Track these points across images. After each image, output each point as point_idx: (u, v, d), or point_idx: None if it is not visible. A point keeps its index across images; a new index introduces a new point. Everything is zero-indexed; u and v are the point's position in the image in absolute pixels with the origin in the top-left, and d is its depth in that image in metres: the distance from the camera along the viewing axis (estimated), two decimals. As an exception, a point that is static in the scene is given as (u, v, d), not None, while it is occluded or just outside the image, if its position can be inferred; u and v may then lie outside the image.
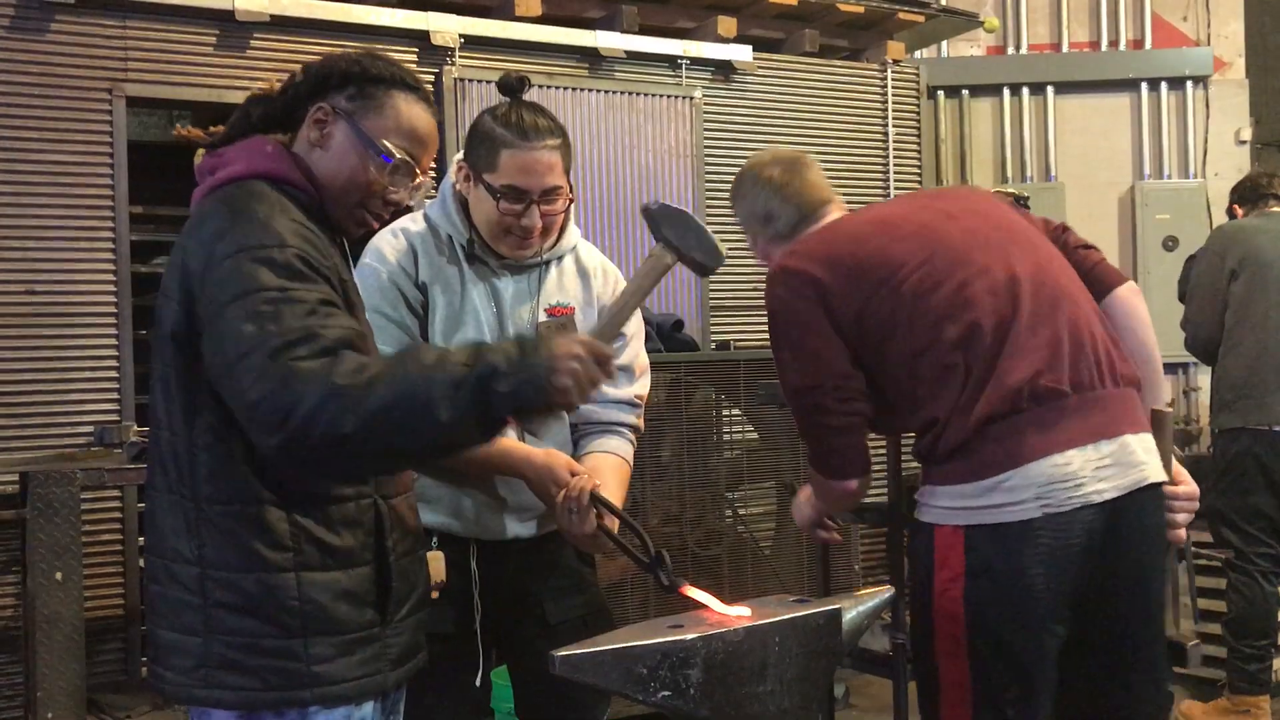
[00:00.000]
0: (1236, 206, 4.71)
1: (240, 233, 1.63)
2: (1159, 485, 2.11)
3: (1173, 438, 2.26)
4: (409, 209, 1.98)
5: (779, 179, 2.43)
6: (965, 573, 2.05)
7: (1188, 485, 2.26)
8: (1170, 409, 2.21)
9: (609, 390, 2.30)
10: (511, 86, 2.25)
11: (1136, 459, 2.06)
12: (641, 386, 2.39)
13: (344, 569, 1.69)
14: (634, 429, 2.36)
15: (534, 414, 1.65)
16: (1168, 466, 2.18)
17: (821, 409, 2.16)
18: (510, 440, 2.18)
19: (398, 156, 1.75)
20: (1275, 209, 4.52)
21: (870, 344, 2.14)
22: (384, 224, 1.88)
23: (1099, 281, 2.26)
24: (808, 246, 2.27)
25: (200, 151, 1.83)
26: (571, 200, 2.27)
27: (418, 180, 1.80)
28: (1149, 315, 2.29)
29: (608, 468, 2.26)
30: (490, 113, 2.22)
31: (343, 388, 1.51)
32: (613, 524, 2.10)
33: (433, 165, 1.89)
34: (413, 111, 1.79)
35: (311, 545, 1.67)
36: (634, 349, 2.38)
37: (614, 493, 2.20)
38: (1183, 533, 2.26)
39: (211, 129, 1.85)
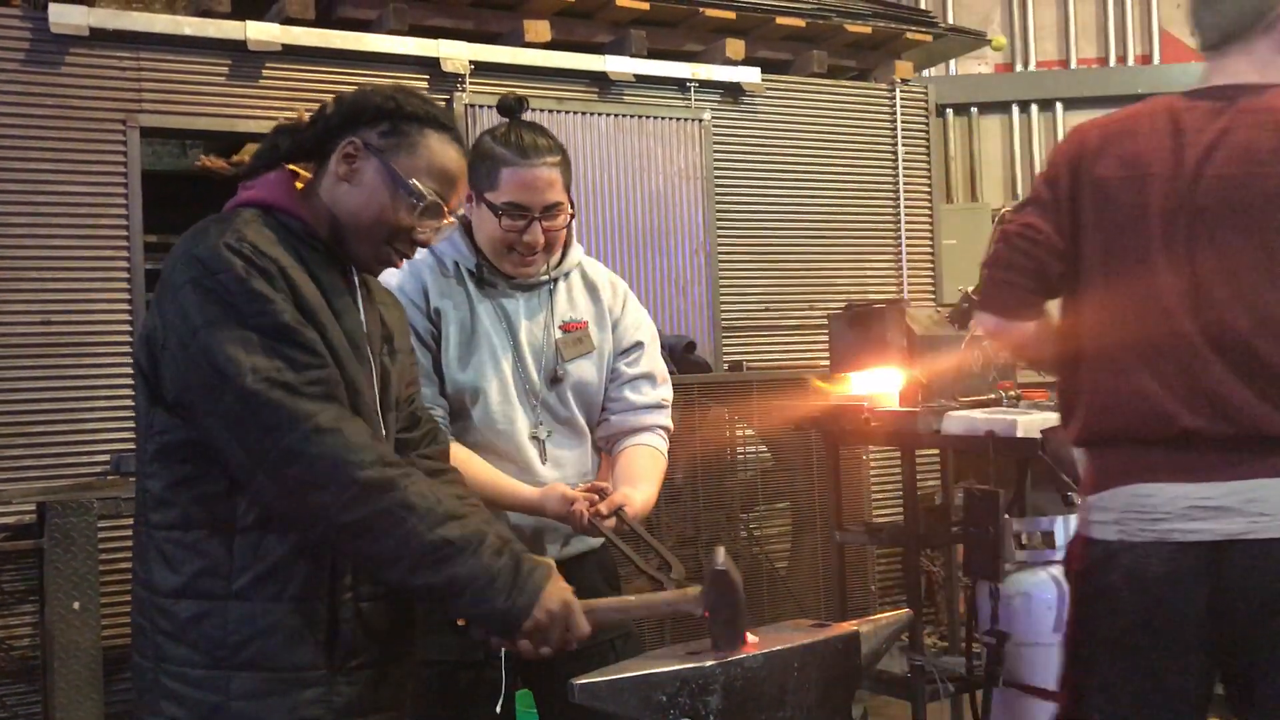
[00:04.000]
0: None
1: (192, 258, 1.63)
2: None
3: None
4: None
5: None
6: (1078, 578, 2.09)
7: None
8: None
9: (634, 398, 2.35)
10: (510, 107, 2.29)
11: (1260, 508, 1.91)
12: (665, 391, 2.42)
13: (279, 602, 1.61)
14: (665, 429, 2.40)
15: (481, 628, 1.68)
16: None
17: (1004, 236, 2.13)
18: (511, 482, 2.20)
19: (429, 198, 1.73)
20: None
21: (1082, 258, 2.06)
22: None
23: None
24: (1106, 125, 2.11)
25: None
26: (572, 216, 2.30)
27: (445, 221, 1.78)
28: None
29: (643, 457, 2.30)
30: (490, 133, 2.26)
31: (357, 481, 1.55)
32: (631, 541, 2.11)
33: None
34: (445, 152, 1.76)
35: (247, 575, 1.61)
36: (651, 356, 2.42)
37: (649, 478, 2.26)
38: None
39: (233, 159, 1.84)
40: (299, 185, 1.79)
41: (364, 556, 1.61)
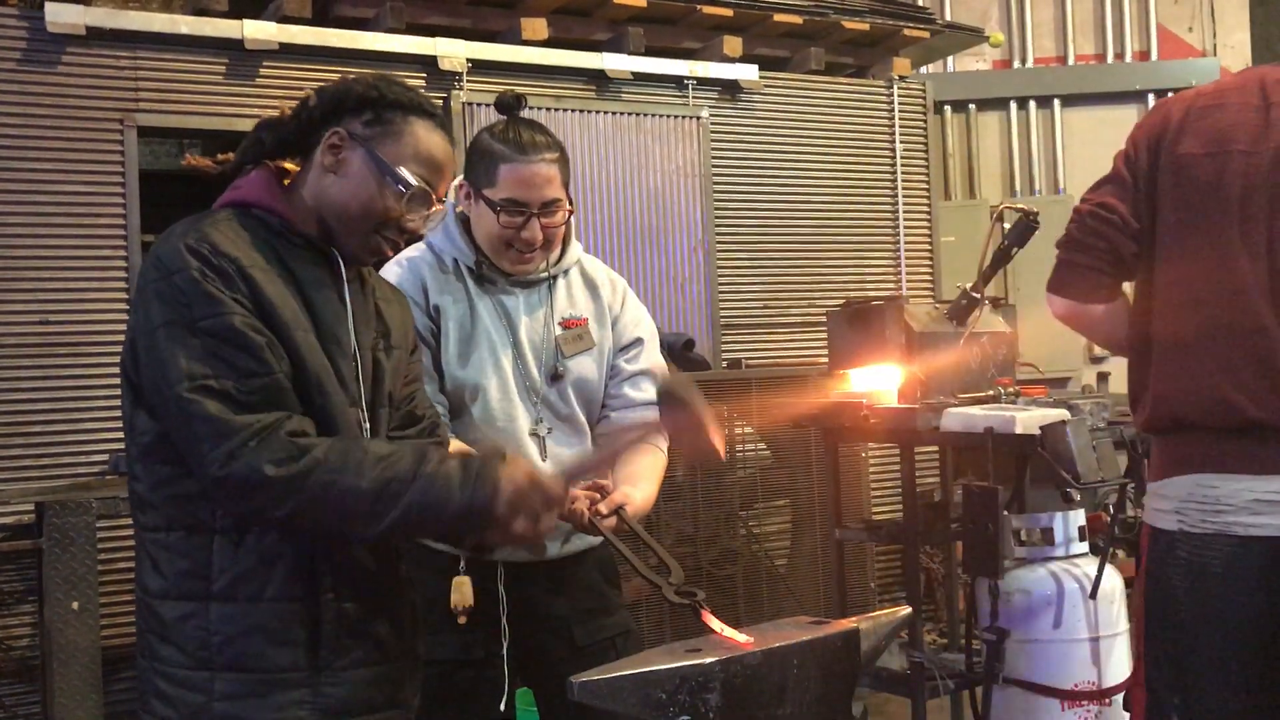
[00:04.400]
0: None
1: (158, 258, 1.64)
2: None
3: None
4: (419, 238, 1.98)
5: None
6: (1145, 568, 2.05)
7: None
8: None
9: (634, 395, 2.35)
10: (508, 104, 2.29)
11: None
12: None
13: (259, 602, 1.61)
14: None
15: (474, 537, 1.67)
16: None
17: (1077, 215, 2.08)
18: None
19: (415, 184, 1.71)
20: None
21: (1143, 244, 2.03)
22: (396, 251, 1.85)
23: None
24: (1194, 99, 2.06)
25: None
26: (571, 212, 2.29)
27: (434, 209, 1.77)
28: None
29: (643, 456, 2.29)
30: (488, 130, 2.26)
31: (270, 479, 1.53)
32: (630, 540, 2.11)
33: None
34: (431, 139, 1.75)
35: (228, 575, 1.61)
36: (650, 353, 2.42)
37: (649, 476, 2.26)
38: None
39: (219, 157, 1.83)
40: (285, 181, 1.78)
41: (322, 530, 1.61)
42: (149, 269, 1.63)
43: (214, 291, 1.58)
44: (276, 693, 1.61)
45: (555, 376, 2.29)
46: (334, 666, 1.65)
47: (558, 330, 2.31)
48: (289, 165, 1.81)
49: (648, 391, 2.37)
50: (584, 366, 2.33)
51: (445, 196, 1.82)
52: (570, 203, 2.29)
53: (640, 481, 2.24)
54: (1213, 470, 1.92)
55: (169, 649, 1.62)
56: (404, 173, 1.71)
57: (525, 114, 2.31)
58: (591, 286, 2.40)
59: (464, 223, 2.30)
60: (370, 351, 1.77)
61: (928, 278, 6.00)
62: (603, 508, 2.12)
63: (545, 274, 2.33)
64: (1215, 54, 7.82)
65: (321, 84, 1.81)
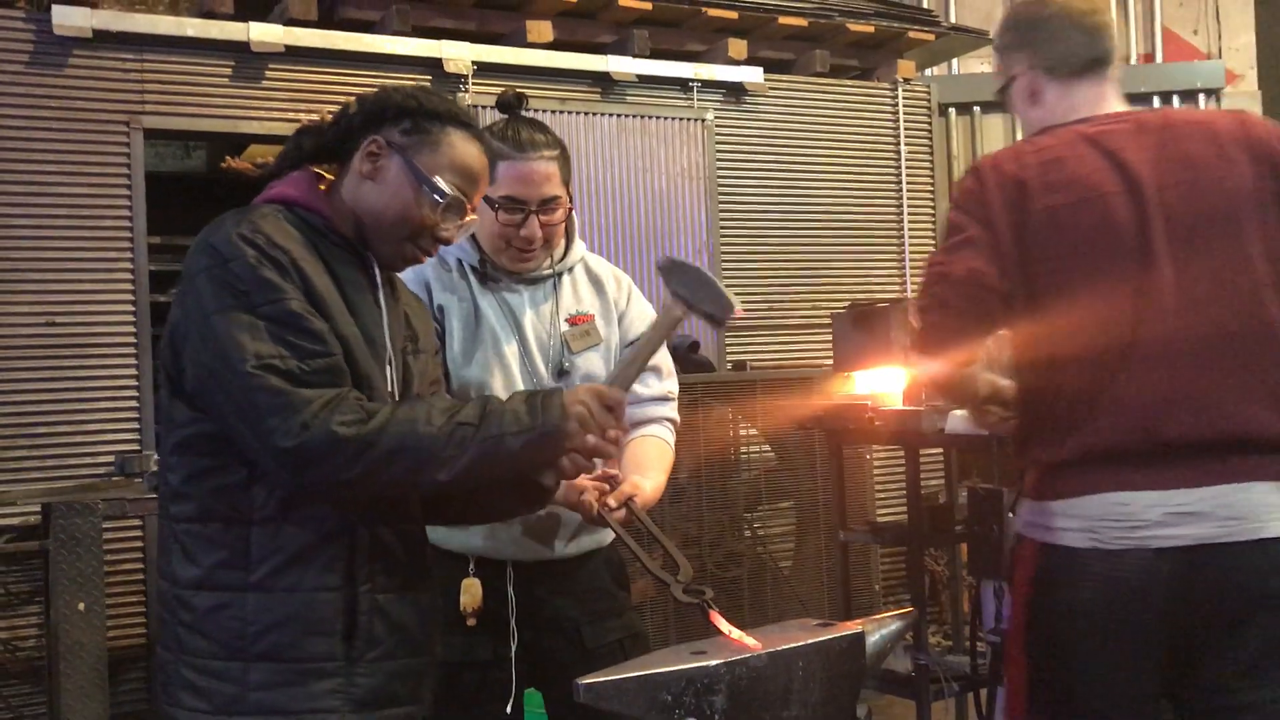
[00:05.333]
0: None
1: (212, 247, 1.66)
2: (1270, 540, 1.93)
3: None
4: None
5: (1083, 9, 2.17)
6: (1032, 583, 2.06)
7: None
8: None
9: (641, 390, 2.36)
10: (509, 103, 2.31)
11: (1231, 512, 1.93)
12: (671, 384, 2.43)
13: (297, 592, 1.62)
14: (671, 420, 2.41)
15: (549, 467, 1.71)
16: None
17: (943, 278, 2.07)
18: None
19: (451, 194, 1.75)
20: None
21: (1017, 298, 2.05)
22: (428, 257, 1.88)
23: None
24: (1015, 159, 2.09)
25: None
26: (570, 209, 2.30)
27: (468, 219, 1.81)
28: None
29: (650, 448, 2.31)
30: (488, 129, 2.27)
31: (344, 439, 1.56)
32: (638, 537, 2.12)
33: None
34: (467, 149, 1.79)
35: (266, 565, 1.62)
36: (656, 322, 2.42)
37: (657, 469, 2.27)
38: None
39: (258, 161, 1.86)
40: (323, 186, 1.81)
41: (397, 483, 1.63)
42: (200, 257, 1.64)
43: (272, 278, 1.61)
44: (311, 682, 1.63)
45: (561, 373, 2.30)
46: (367, 657, 1.67)
47: (564, 327, 2.32)
48: (325, 172, 1.83)
49: (654, 387, 2.38)
50: (592, 363, 2.34)
51: (479, 205, 1.85)
52: (570, 200, 2.30)
53: (649, 472, 2.25)
54: (1125, 488, 1.96)
55: (200, 640, 1.63)
56: (440, 182, 1.75)
57: (530, 115, 2.32)
58: (597, 283, 2.40)
59: None
60: (401, 354, 1.81)
61: (932, 280, 5.98)
62: (611, 500, 2.12)
63: (550, 271, 2.34)
64: (1220, 56, 7.81)
65: (328, 86, 1.83)
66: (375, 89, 1.83)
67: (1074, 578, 1.99)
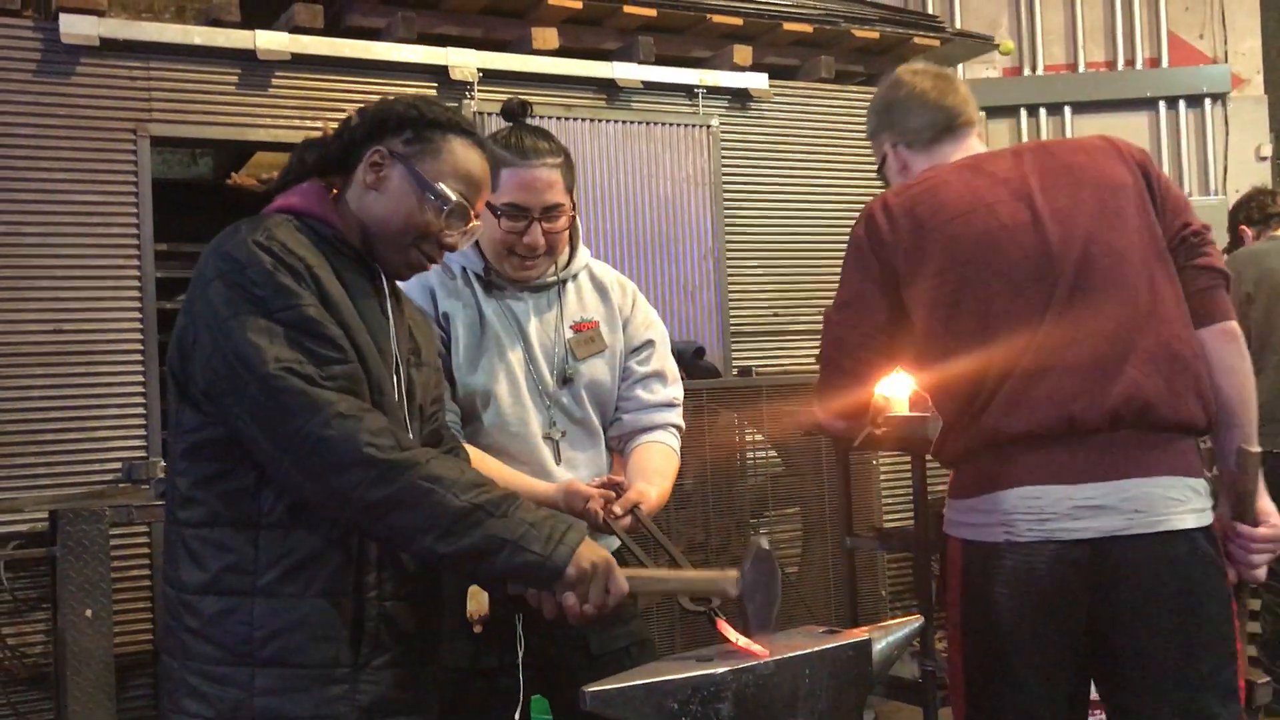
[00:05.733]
0: (1245, 227, 4.70)
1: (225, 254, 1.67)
2: (1165, 534, 2.02)
3: (1257, 477, 2.15)
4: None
5: (928, 86, 2.37)
6: (962, 581, 2.15)
7: (1270, 528, 2.15)
8: (1257, 449, 2.11)
9: (646, 397, 2.37)
10: (513, 111, 2.32)
11: (1135, 506, 2.02)
12: (676, 389, 2.44)
13: (304, 597, 1.63)
14: (676, 426, 2.41)
15: (525, 586, 1.69)
16: (1249, 507, 2.14)
17: (839, 343, 2.24)
18: (525, 479, 2.20)
19: (454, 200, 1.77)
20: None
21: (920, 317, 2.17)
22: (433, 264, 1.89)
23: (1193, 311, 2.14)
24: (902, 191, 2.27)
25: None
26: (574, 216, 2.30)
27: (471, 224, 1.82)
28: (1238, 355, 2.15)
29: (655, 454, 2.31)
30: (492, 137, 2.28)
31: (370, 460, 1.57)
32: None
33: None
34: (469, 156, 1.81)
35: (273, 571, 1.63)
36: (661, 355, 2.43)
37: (662, 476, 2.27)
38: (1261, 573, 2.18)
39: (264, 177, 1.88)
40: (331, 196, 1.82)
41: (395, 530, 1.62)
42: (214, 262, 1.65)
43: (289, 284, 1.63)
44: (317, 688, 1.63)
45: (566, 379, 2.30)
46: (373, 664, 1.67)
47: (569, 334, 2.32)
48: (324, 183, 1.85)
49: (659, 393, 2.38)
50: (597, 370, 2.34)
51: (482, 212, 1.86)
52: (574, 208, 2.30)
53: (654, 479, 2.25)
54: (1036, 482, 2.04)
55: (205, 645, 1.64)
56: (443, 188, 1.76)
57: (535, 122, 2.32)
58: (601, 290, 2.41)
59: None
60: (405, 366, 1.82)
61: (938, 285, 5.97)
62: (617, 508, 2.12)
63: (554, 278, 2.34)
64: (1226, 61, 7.81)
65: (334, 93, 1.86)
66: (379, 98, 1.85)
67: (989, 575, 2.07)
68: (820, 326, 2.35)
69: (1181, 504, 2.05)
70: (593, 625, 1.76)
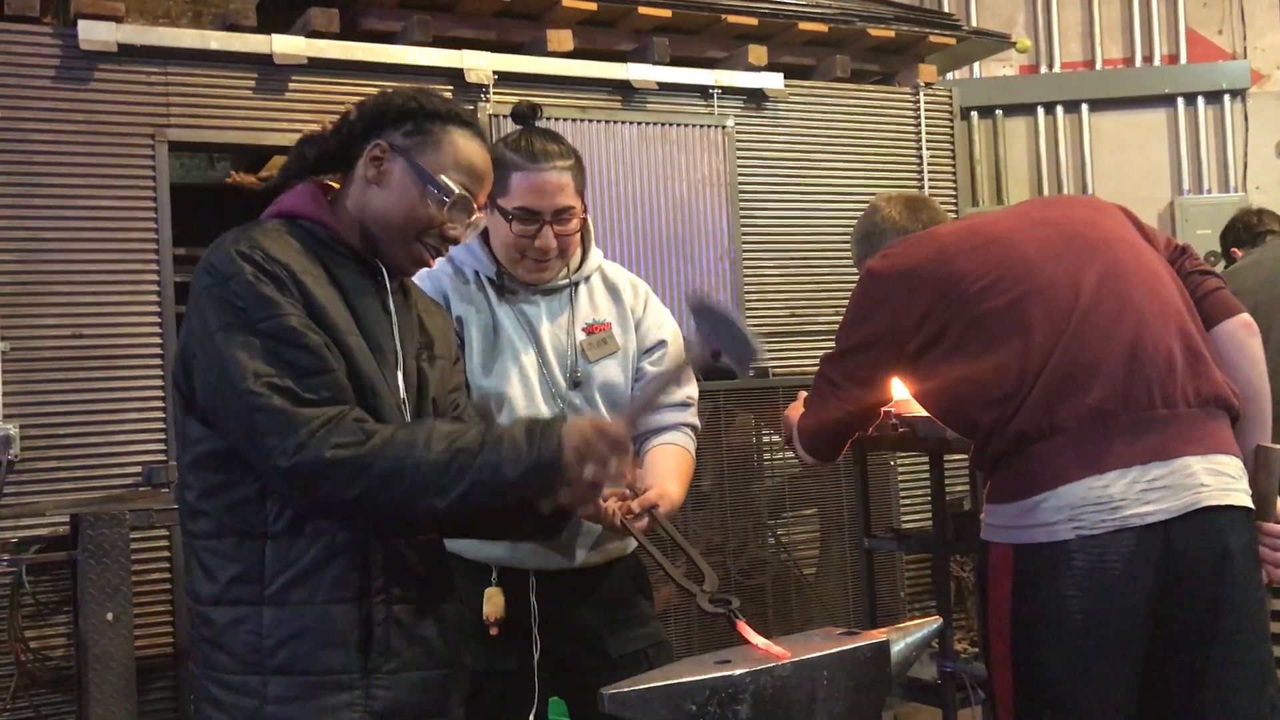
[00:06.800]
0: (1235, 250, 4.70)
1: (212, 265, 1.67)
2: (1225, 508, 2.01)
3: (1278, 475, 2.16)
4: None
5: (899, 212, 2.54)
6: (1013, 592, 2.07)
7: None
8: (1277, 446, 2.12)
9: (660, 397, 2.35)
10: (524, 114, 2.32)
11: (1195, 481, 2.00)
12: (691, 389, 2.43)
13: (311, 605, 1.63)
14: (692, 426, 2.41)
15: (546, 497, 1.68)
16: (1270, 505, 2.12)
17: (838, 398, 2.34)
18: None
19: (457, 192, 1.76)
20: (1273, 240, 4.52)
21: (931, 352, 2.18)
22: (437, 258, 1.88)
23: (1208, 312, 2.20)
24: (896, 250, 2.32)
25: None
26: (585, 219, 2.30)
27: (475, 216, 1.81)
28: (1259, 346, 2.20)
29: (670, 456, 2.31)
30: (502, 140, 2.28)
31: (336, 461, 1.56)
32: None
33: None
34: (470, 147, 1.80)
35: (280, 579, 1.63)
36: (674, 355, 2.41)
37: (677, 477, 2.27)
38: None
39: (261, 174, 1.88)
40: (328, 196, 1.81)
41: (393, 506, 1.62)
42: (202, 276, 1.66)
43: (270, 294, 1.62)
44: (328, 695, 1.63)
45: (575, 382, 2.30)
46: (384, 669, 1.67)
47: (581, 336, 2.32)
48: (331, 182, 1.84)
49: (673, 394, 2.37)
50: (610, 371, 2.34)
51: (484, 205, 1.85)
52: (585, 210, 2.30)
53: (669, 481, 2.24)
54: (1099, 472, 2.00)
55: (222, 656, 1.65)
56: (445, 180, 1.75)
57: (549, 124, 2.32)
58: (613, 291, 2.41)
59: (484, 235, 2.32)
60: (415, 360, 1.80)
61: (956, 285, 5.95)
62: (635, 506, 2.11)
63: (566, 281, 2.34)
64: (1245, 56, 7.75)
65: (350, 97, 1.85)
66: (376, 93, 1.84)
67: (1056, 576, 2.00)
68: (837, 327, 2.38)
69: (1237, 480, 2.05)
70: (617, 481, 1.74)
